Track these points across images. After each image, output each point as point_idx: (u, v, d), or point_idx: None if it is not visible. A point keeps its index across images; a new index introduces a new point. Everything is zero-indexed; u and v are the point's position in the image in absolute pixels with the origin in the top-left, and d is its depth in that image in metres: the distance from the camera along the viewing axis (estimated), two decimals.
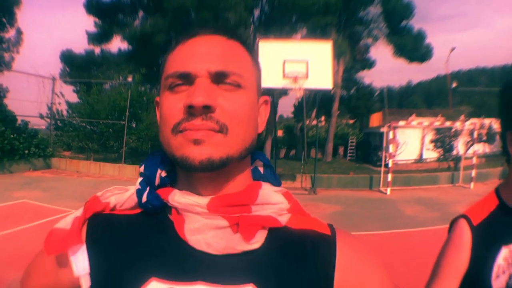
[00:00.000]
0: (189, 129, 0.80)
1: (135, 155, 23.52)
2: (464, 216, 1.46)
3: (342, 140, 31.84)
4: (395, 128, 22.10)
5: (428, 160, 23.80)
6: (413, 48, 28.74)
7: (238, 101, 0.84)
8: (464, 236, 1.41)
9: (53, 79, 23.83)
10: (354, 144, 30.75)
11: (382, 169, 16.64)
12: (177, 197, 0.87)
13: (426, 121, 26.42)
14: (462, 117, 24.85)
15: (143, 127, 22.02)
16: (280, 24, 24.00)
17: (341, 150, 31.96)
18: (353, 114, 41.82)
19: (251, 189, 0.90)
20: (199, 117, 0.79)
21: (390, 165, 16.07)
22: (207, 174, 0.84)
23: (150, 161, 0.95)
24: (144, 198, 0.90)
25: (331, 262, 0.88)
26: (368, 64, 35.05)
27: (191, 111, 0.79)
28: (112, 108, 21.47)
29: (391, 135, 16.44)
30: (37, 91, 25.40)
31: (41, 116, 22.56)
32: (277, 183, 0.99)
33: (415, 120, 27.29)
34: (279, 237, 0.88)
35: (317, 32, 26.40)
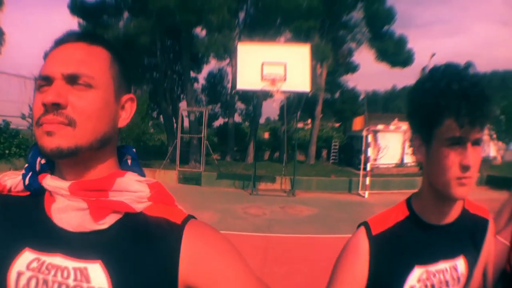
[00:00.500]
0: (44, 123, 0.93)
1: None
2: (365, 223, 1.37)
3: (327, 143, 31.85)
4: (374, 132, 22.26)
5: (409, 165, 23.81)
6: (394, 52, 28.80)
7: (87, 99, 0.96)
8: (360, 245, 1.32)
9: (35, 79, 23.66)
10: (337, 147, 30.87)
11: (361, 172, 16.73)
12: (48, 181, 1.00)
13: (406, 125, 26.43)
14: None
15: (125, 129, 21.92)
16: (264, 27, 24.02)
17: (324, 153, 31.94)
18: (338, 118, 41.84)
19: (109, 177, 1.01)
20: (51, 113, 0.92)
21: (368, 168, 16.18)
22: (66, 161, 0.97)
23: (33, 150, 1.07)
24: (27, 181, 1.05)
25: (175, 251, 1.00)
26: (352, 68, 35.06)
27: (45, 108, 0.93)
28: None
29: (369, 139, 16.56)
30: (19, 91, 25.07)
31: (23, 117, 22.35)
32: (142, 174, 1.10)
33: (393, 125, 27.38)
34: (131, 221, 1.01)
35: (301, 35, 26.52)
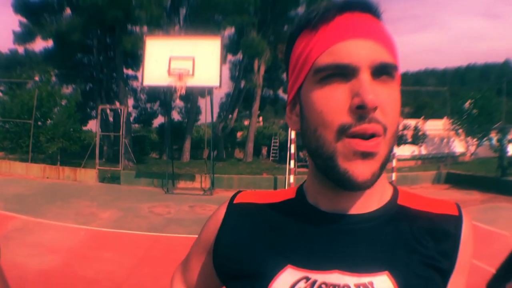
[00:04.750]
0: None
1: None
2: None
3: (270, 140, 31.70)
4: None
5: None
6: None
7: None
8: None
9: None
10: (277, 144, 30.30)
11: (287, 169, 16.46)
12: None
13: None
14: None
15: (50, 126, 21.46)
16: (204, 22, 23.71)
17: (264, 150, 31.79)
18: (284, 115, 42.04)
19: None
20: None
21: (292, 165, 16.01)
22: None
23: None
24: None
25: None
26: None
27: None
28: (21, 107, 20.94)
29: (293, 135, 16.37)
30: None
31: None
32: None
33: None
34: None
35: (244, 31, 26.40)
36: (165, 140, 28.41)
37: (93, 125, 33.26)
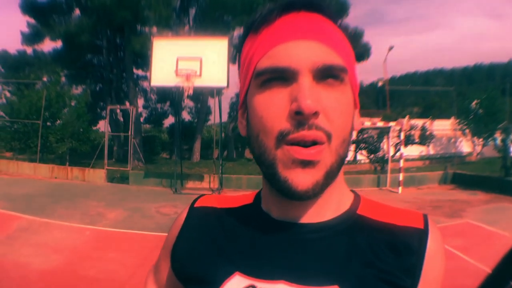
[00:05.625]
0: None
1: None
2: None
3: None
4: None
5: (362, 162, 23.55)
6: None
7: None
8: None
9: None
10: None
11: None
12: None
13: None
14: (404, 118, 24.84)
15: (59, 127, 21.59)
16: (213, 23, 23.74)
17: None
18: None
19: None
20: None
21: None
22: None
23: None
24: None
25: None
26: None
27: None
28: (29, 108, 21.08)
29: None
30: None
31: None
32: None
33: None
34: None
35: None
36: (175, 140, 28.53)
37: (103, 126, 33.46)
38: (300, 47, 0.72)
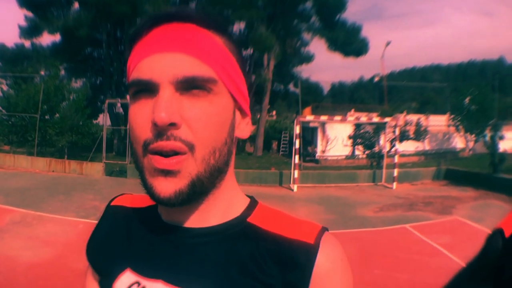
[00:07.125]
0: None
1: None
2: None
3: (281, 134, 31.62)
4: (321, 124, 21.83)
5: (360, 157, 23.49)
6: (346, 42, 28.71)
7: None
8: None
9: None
10: (287, 139, 30.19)
11: (292, 165, 16.36)
12: None
13: (353, 116, 26.09)
14: (402, 113, 24.83)
15: (58, 120, 21.59)
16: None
17: (275, 144, 31.77)
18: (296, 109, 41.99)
19: None
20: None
21: (296, 161, 15.93)
22: None
23: None
24: None
25: None
26: (307, 58, 34.89)
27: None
28: (27, 101, 21.08)
29: (298, 130, 16.29)
30: None
31: None
32: None
33: (350, 116, 27.17)
34: None
35: (253, 26, 26.31)
36: None
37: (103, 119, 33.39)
38: (163, 59, 0.73)
